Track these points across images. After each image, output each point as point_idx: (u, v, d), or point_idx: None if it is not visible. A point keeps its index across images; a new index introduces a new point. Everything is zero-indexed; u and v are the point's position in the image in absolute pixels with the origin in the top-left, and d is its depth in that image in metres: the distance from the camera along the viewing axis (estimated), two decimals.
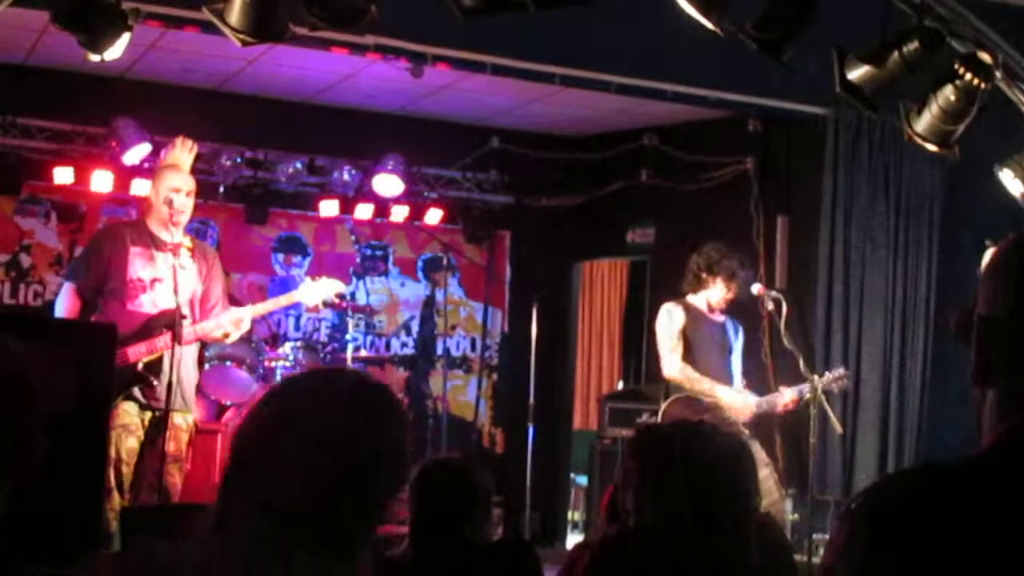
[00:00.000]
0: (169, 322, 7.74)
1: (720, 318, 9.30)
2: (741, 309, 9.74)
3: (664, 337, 9.14)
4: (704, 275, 9.19)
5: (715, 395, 8.97)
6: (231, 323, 8.14)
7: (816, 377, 8.99)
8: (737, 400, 9.03)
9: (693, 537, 3.66)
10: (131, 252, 7.99)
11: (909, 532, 1.80)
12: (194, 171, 8.31)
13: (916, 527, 1.80)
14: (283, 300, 9.09)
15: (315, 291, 8.84)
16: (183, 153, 8.20)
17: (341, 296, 10.96)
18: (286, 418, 2.71)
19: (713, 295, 9.22)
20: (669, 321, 9.16)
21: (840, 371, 9.27)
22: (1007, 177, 7.94)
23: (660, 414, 9.05)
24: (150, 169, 10.85)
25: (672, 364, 9.07)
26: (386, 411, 2.78)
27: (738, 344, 9.38)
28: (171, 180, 8.01)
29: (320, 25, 6.29)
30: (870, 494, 1.93)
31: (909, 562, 1.78)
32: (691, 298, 9.26)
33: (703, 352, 9.16)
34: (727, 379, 9.18)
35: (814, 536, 9.17)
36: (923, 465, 1.97)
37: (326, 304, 10.86)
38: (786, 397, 9.07)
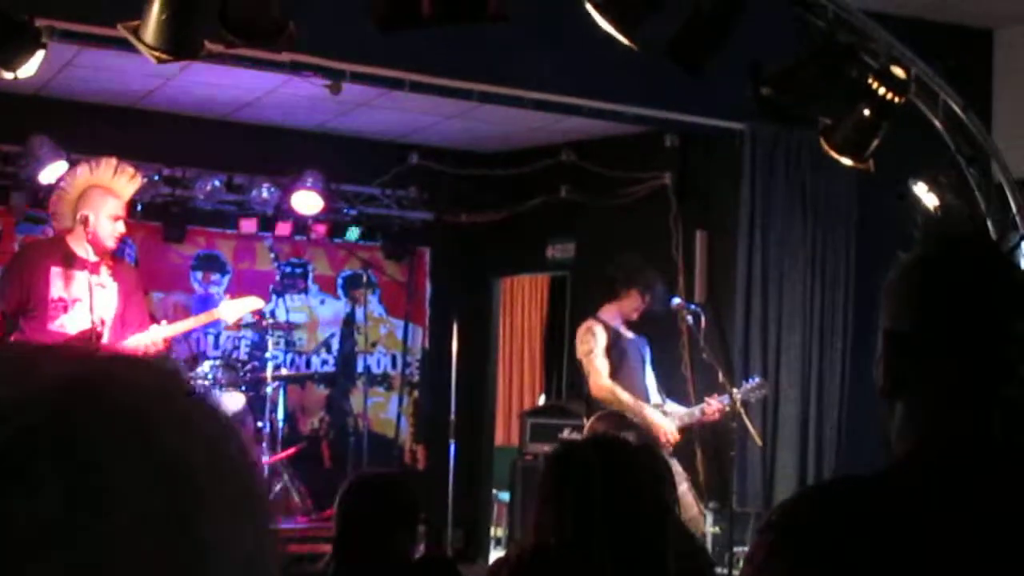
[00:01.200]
0: (87, 341, 7.67)
1: (631, 334, 9.35)
2: (660, 323, 9.79)
3: (591, 355, 9.17)
4: (619, 287, 9.23)
5: (641, 412, 9.00)
6: (147, 345, 8.07)
7: (735, 390, 9.06)
8: (663, 420, 9.07)
9: (611, 551, 3.67)
10: (51, 272, 7.91)
11: (826, 544, 1.82)
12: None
13: (833, 538, 1.82)
14: (201, 319, 9.07)
15: (233, 309, 8.80)
16: (122, 179, 8.10)
17: (261, 314, 10.93)
18: None
19: (628, 306, 9.26)
20: (593, 339, 9.19)
21: (758, 380, 9.34)
22: (921, 190, 8.04)
23: (585, 430, 9.07)
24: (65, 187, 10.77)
25: (602, 381, 9.10)
26: None
27: (647, 359, 9.44)
28: (110, 206, 7.93)
29: (236, 43, 6.27)
30: (788, 507, 1.95)
31: (827, 573, 1.80)
32: (606, 314, 9.29)
33: (626, 369, 9.20)
34: (646, 394, 9.24)
35: (735, 549, 9.21)
36: (839, 478, 2.00)
37: (245, 325, 10.85)
38: (712, 407, 9.12)
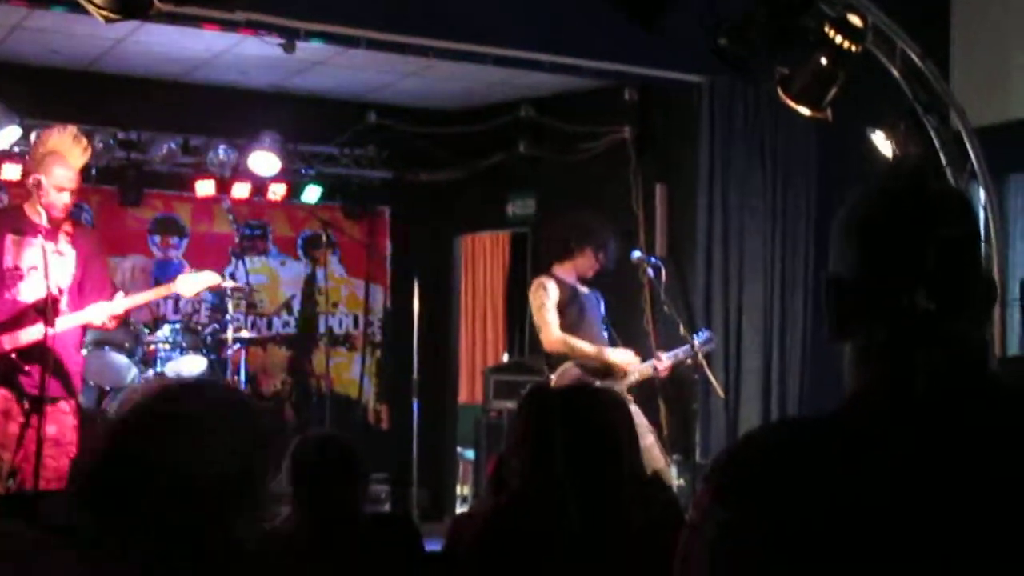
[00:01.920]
0: (42, 308, 7.59)
1: (586, 289, 9.33)
2: (621, 276, 9.78)
3: (542, 310, 9.14)
4: (573, 245, 9.21)
5: (602, 357, 9.00)
6: (105, 315, 7.99)
7: (694, 339, 9.07)
8: (623, 356, 9.07)
9: (575, 495, 3.68)
10: (8, 240, 7.81)
11: (770, 486, 1.83)
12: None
13: (776, 481, 1.83)
14: (161, 291, 9.01)
15: (191, 283, 8.73)
16: (76, 148, 7.98)
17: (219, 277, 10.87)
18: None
19: (582, 264, 9.24)
20: (545, 294, 9.15)
21: (707, 334, 9.33)
22: (879, 139, 8.04)
23: (553, 383, 9.06)
24: (20, 154, 10.66)
25: (553, 334, 9.08)
26: None
27: (602, 312, 9.43)
28: (60, 174, 7.79)
29: (187, 1, 6.21)
30: (732, 451, 1.95)
31: (772, 514, 1.80)
32: (559, 270, 9.27)
33: (582, 324, 9.18)
34: (605, 347, 9.23)
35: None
36: (784, 420, 2.02)
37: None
38: (664, 363, 9.13)
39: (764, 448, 1.90)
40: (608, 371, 9.03)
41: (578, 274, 9.28)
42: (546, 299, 9.14)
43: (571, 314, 9.15)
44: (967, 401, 1.89)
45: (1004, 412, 1.90)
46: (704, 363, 9.11)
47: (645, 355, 9.47)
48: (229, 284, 10.90)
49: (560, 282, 9.19)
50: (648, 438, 8.47)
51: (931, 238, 1.92)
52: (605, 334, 9.35)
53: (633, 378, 9.12)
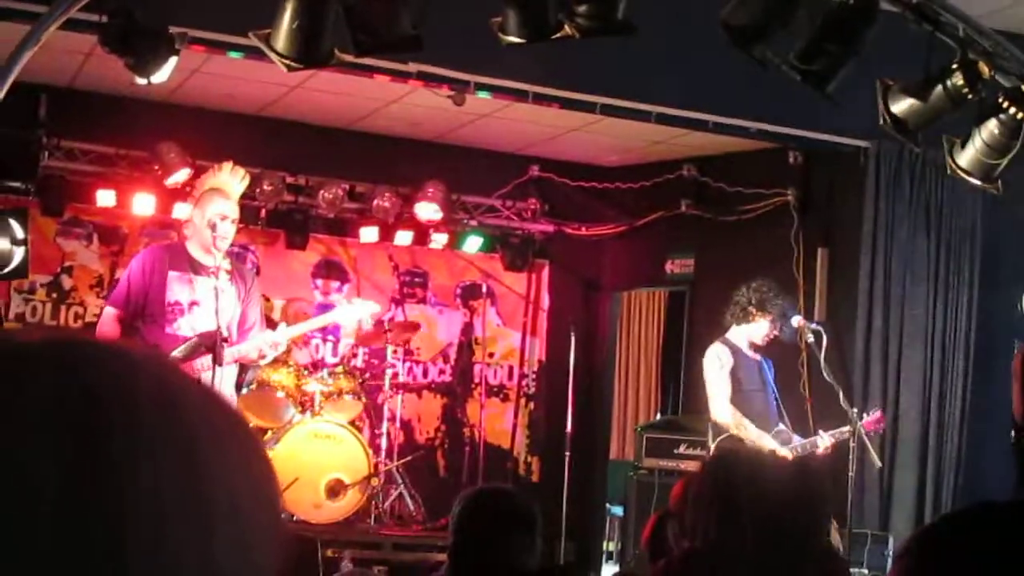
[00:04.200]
0: (210, 344, 7.73)
1: (757, 356, 9.31)
2: (781, 342, 9.73)
3: (714, 380, 9.15)
4: (754, 310, 9.19)
5: (760, 443, 8.96)
6: (268, 344, 8.11)
7: (855, 412, 8.98)
8: (780, 448, 9.03)
9: (756, 558, 3.66)
10: (169, 276, 7.97)
11: (966, 571, 1.80)
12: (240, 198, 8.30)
13: (973, 566, 1.80)
14: (320, 321, 9.13)
15: (352, 313, 8.85)
16: (234, 180, 8.15)
17: (380, 322, 10.99)
18: None
19: (757, 332, 9.22)
20: (719, 363, 9.16)
21: (877, 414, 9.24)
22: None
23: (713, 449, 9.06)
24: (191, 193, 10.91)
25: (723, 407, 9.09)
26: None
27: (770, 380, 9.39)
28: (218, 205, 7.94)
29: (367, 51, 6.32)
30: (926, 532, 1.92)
31: None
32: (733, 335, 9.27)
33: (749, 392, 9.17)
34: (772, 416, 9.21)
35: (851, 570, 9.12)
36: (979, 504, 1.96)
37: (366, 337, 10.93)
38: (825, 442, 9.08)
39: (963, 531, 1.88)
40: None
41: (751, 341, 9.25)
42: (718, 368, 9.14)
43: (740, 381, 9.13)
44: None
45: None
46: (863, 431, 9.02)
47: (801, 421, 9.41)
48: (384, 315, 10.97)
49: (734, 349, 9.19)
50: None
51: None
52: (775, 402, 9.31)
53: (791, 454, 9.06)
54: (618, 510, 12.17)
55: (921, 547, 1.87)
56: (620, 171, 12.85)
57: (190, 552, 0.97)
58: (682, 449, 10.50)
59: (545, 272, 13.54)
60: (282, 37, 6.24)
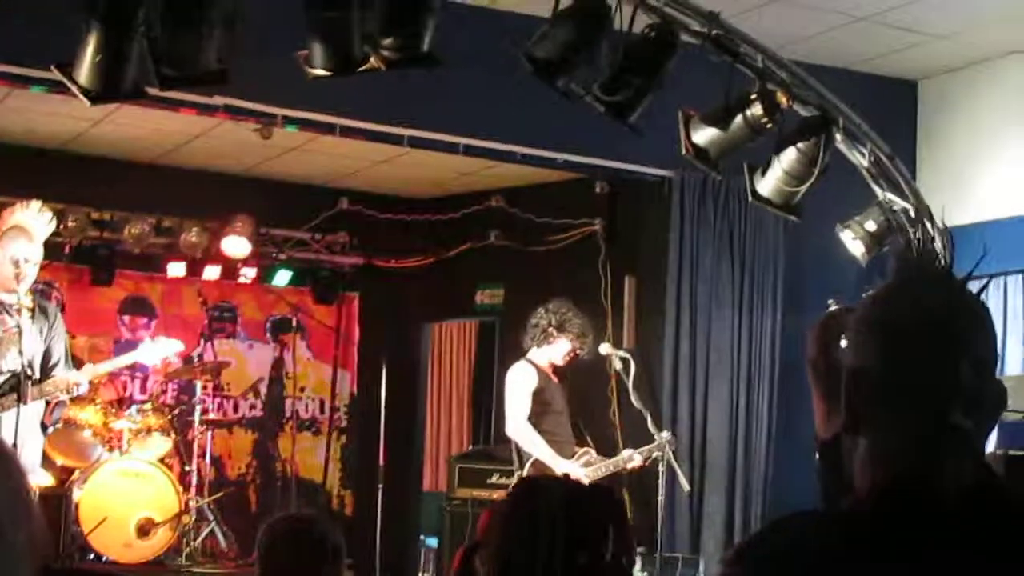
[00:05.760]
0: (13, 383, 7.58)
1: (556, 379, 9.40)
2: (589, 368, 9.83)
3: (515, 395, 9.19)
4: (554, 331, 9.26)
5: (554, 466, 9.00)
6: (71, 383, 7.98)
7: (661, 435, 9.09)
8: (573, 469, 9.05)
9: None
10: None
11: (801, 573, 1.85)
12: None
13: (803, 570, 1.85)
14: (123, 360, 9.01)
15: (155, 351, 8.75)
16: (40, 221, 7.99)
17: (188, 358, 10.88)
18: None
19: (558, 352, 9.30)
20: (523, 380, 9.21)
21: (667, 435, 9.31)
22: (847, 238, 8.11)
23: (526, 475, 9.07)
24: None
25: (518, 423, 9.12)
26: None
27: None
28: (20, 247, 7.77)
29: (172, 85, 6.27)
30: (757, 538, 1.97)
31: None
32: (535, 356, 9.33)
33: (552, 414, 9.24)
34: (570, 440, 9.29)
35: None
36: (804, 512, 2.01)
37: (174, 372, 10.81)
38: (635, 460, 9.17)
39: (792, 537, 1.92)
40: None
41: (552, 362, 9.33)
42: (522, 385, 9.19)
43: (543, 402, 9.19)
44: (995, 517, 1.91)
45: None
46: (672, 455, 9.14)
47: (610, 447, 9.50)
48: (193, 351, 10.88)
49: (539, 370, 9.25)
50: None
51: (969, 357, 1.96)
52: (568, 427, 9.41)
53: (600, 473, 9.13)
54: (433, 541, 12.15)
55: (752, 551, 1.92)
56: (429, 203, 12.90)
57: None
58: (495, 479, 10.54)
59: (355, 305, 13.52)
60: (85, 71, 6.16)
